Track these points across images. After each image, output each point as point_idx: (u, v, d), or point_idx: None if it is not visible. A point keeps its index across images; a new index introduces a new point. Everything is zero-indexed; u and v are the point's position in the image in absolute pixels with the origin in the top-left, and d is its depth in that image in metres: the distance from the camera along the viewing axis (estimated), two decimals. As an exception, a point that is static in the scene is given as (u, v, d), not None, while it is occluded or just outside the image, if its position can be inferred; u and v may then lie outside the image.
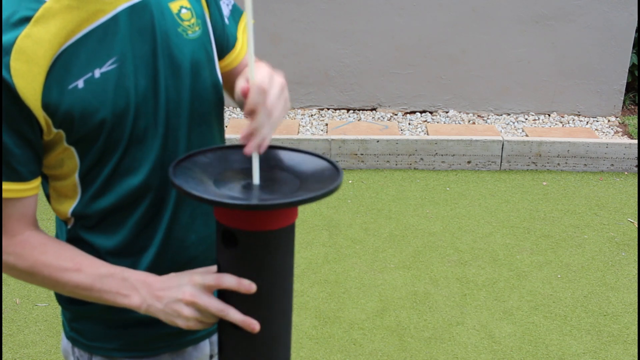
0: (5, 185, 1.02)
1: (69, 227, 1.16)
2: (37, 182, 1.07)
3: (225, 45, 1.23)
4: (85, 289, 1.05)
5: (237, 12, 1.25)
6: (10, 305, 2.98)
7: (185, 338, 1.25)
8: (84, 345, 1.22)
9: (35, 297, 3.03)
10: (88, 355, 1.23)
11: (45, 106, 0.99)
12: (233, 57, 1.24)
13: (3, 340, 2.76)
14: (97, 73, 1.02)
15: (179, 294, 1.02)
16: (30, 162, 1.04)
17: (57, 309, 2.93)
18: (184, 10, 1.11)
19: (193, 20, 1.12)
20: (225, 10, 1.22)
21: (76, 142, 1.05)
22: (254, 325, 1.01)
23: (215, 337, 1.31)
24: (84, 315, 1.21)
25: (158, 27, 1.07)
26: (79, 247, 1.13)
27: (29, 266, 1.05)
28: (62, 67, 0.99)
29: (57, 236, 1.21)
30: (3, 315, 2.90)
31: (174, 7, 1.10)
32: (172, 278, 1.05)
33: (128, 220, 1.12)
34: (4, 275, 3.17)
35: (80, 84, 1.00)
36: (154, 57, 1.07)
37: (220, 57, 1.22)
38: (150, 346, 1.22)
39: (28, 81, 0.96)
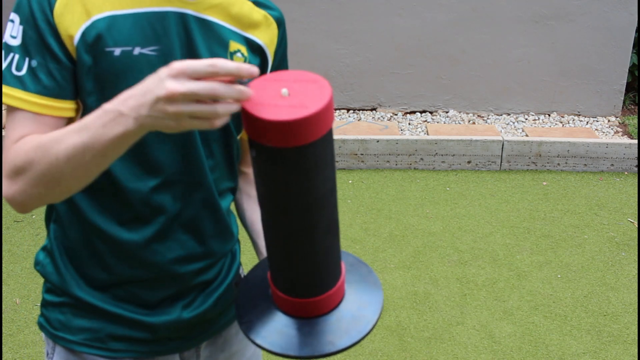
0: (34, 98, 1.01)
1: None
2: (67, 103, 1.04)
3: None
4: (76, 147, 0.92)
5: None
6: (10, 305, 2.98)
7: (150, 347, 1.23)
8: (49, 333, 1.23)
9: (35, 297, 3.03)
10: (52, 344, 1.24)
11: (78, 49, 1.01)
12: None
13: (3, 340, 2.76)
14: (137, 51, 1.04)
15: (158, 91, 0.84)
16: (70, 80, 1.04)
17: (57, 309, 2.93)
18: (239, 54, 1.13)
19: None
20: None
21: (83, 97, 1.06)
22: (251, 70, 0.84)
23: (187, 353, 1.28)
24: (51, 303, 1.21)
25: (207, 50, 1.09)
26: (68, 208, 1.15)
27: (25, 155, 0.97)
28: (105, 28, 1.02)
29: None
30: (3, 315, 2.90)
31: (232, 45, 1.12)
32: (151, 77, 0.88)
33: None
34: (4, 275, 3.17)
35: (117, 51, 1.02)
36: None
37: None
38: (112, 346, 1.21)
39: (68, 10, 1.00)
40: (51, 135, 0.95)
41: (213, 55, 1.09)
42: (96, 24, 1.01)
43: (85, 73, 1.03)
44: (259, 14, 1.16)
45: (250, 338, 1.05)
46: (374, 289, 1.10)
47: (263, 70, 1.19)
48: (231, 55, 1.11)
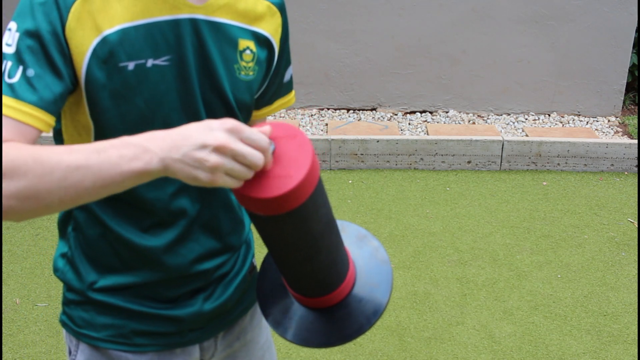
0: (26, 107, 0.95)
1: None
2: (52, 119, 0.98)
3: (266, 100, 1.28)
4: (78, 168, 0.85)
5: (288, 86, 1.30)
6: (10, 305, 2.98)
7: (172, 339, 1.24)
8: (72, 330, 1.24)
9: (35, 297, 3.03)
10: (76, 341, 1.25)
11: (90, 67, 1.00)
12: (264, 112, 1.30)
13: (3, 340, 2.76)
14: (150, 63, 1.03)
15: (207, 138, 0.85)
16: (64, 97, 1.00)
17: (57, 309, 2.93)
18: (247, 52, 1.14)
19: (251, 65, 1.15)
20: (287, 76, 1.28)
21: (97, 114, 1.05)
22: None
23: (206, 343, 1.30)
24: (73, 301, 1.22)
25: (219, 53, 1.10)
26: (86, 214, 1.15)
27: (10, 161, 0.85)
28: (117, 42, 1.01)
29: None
30: (3, 315, 2.90)
31: (241, 43, 1.13)
32: (195, 125, 0.88)
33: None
34: (4, 275, 3.17)
35: (130, 65, 1.02)
36: (199, 77, 1.09)
37: (256, 108, 1.28)
38: (136, 341, 1.22)
39: (80, 25, 0.98)
40: (50, 147, 0.88)
41: (224, 57, 1.10)
42: (108, 38, 1.00)
43: (99, 90, 1.01)
44: (262, 5, 1.17)
45: (283, 336, 1.12)
46: (383, 266, 1.15)
47: (270, 61, 1.20)
48: (240, 54, 1.13)
